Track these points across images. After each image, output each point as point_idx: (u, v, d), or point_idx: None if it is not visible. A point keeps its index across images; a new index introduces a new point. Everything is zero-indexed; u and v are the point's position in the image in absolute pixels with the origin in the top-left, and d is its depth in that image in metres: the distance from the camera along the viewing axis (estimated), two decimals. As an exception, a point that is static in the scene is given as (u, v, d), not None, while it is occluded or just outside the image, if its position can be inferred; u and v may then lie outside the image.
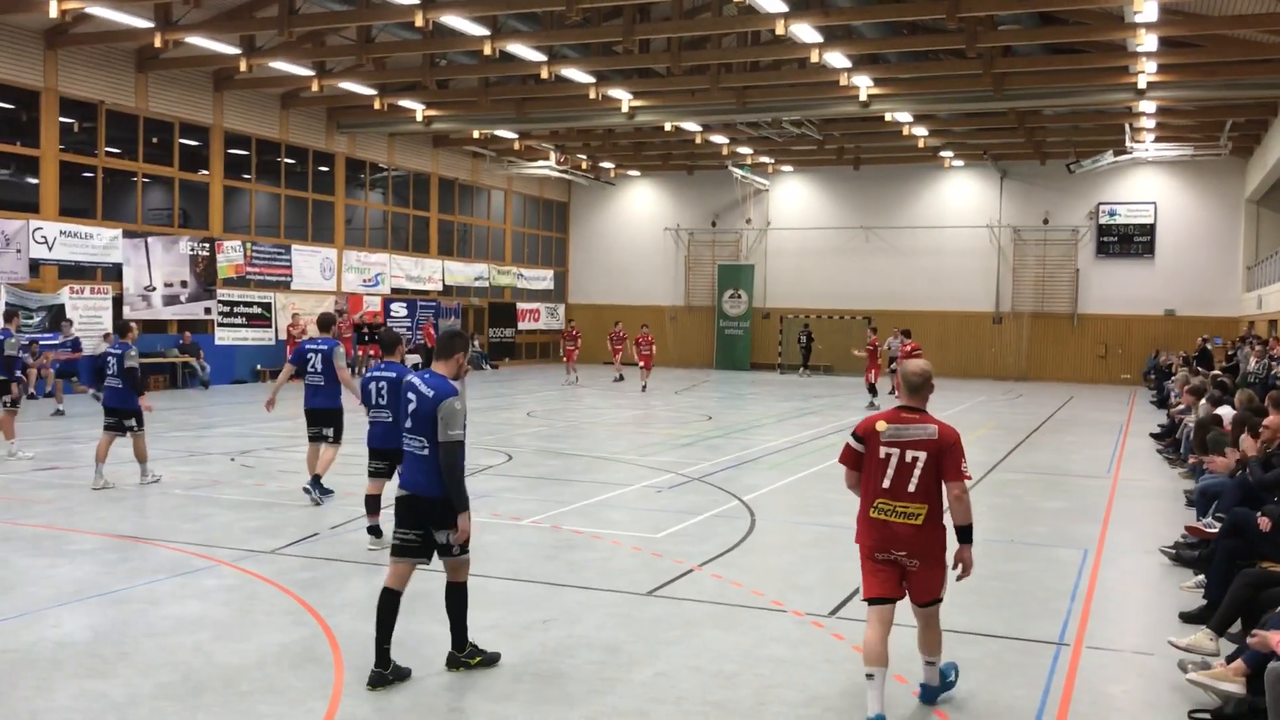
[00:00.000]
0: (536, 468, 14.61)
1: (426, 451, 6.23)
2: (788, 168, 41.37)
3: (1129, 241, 37.95)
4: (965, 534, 5.77)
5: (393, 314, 35.28)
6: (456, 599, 6.43)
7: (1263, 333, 28.32)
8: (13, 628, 6.99)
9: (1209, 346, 29.13)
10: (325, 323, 12.45)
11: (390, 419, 9.34)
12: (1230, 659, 6.02)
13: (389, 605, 6.21)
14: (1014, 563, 9.58)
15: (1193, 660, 6.43)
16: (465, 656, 6.43)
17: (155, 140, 27.47)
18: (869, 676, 5.57)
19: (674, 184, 43.74)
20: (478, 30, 22.27)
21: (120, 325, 13.26)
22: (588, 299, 45.12)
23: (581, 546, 9.79)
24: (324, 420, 11.62)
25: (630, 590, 8.23)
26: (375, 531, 9.57)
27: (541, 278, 43.93)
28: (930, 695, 6.08)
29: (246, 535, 9.91)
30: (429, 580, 7.35)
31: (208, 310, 28.19)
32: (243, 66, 24.91)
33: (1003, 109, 28.85)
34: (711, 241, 43.27)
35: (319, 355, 11.58)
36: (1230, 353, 26.96)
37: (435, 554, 6.37)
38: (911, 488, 5.72)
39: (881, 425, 5.87)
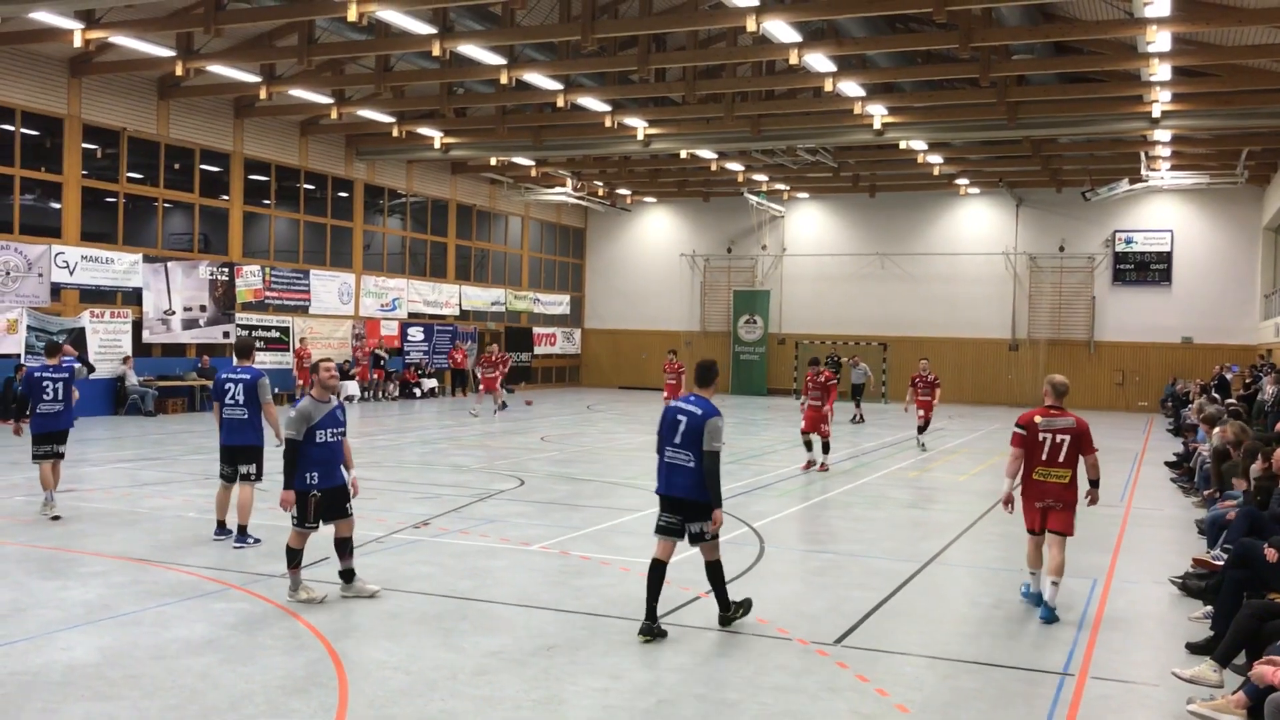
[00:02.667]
0: (548, 493, 14.66)
1: (692, 464, 7.73)
2: (803, 194, 41.50)
3: (1145, 269, 37.86)
4: (1095, 484, 8.82)
5: (410, 338, 35.48)
6: (715, 573, 8.04)
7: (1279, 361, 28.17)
8: (23, 650, 7.07)
9: (1227, 375, 28.98)
10: (244, 349, 11.35)
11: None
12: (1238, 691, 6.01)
13: (657, 572, 7.83)
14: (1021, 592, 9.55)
15: (1201, 695, 6.42)
16: (730, 615, 8.07)
17: (176, 166, 27.81)
18: (1032, 573, 8.90)
19: (690, 210, 43.91)
20: (495, 59, 22.50)
21: (50, 346, 12.63)
22: (603, 324, 45.25)
23: (589, 572, 9.82)
24: (245, 457, 10.79)
25: (636, 617, 8.23)
26: (347, 576, 8.80)
27: (558, 302, 44.10)
28: (1049, 612, 8.45)
29: (257, 559, 9.99)
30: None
31: (226, 334, 28.41)
32: (263, 94, 25.22)
33: (1017, 137, 28.89)
34: (727, 267, 43.37)
35: (239, 385, 10.73)
36: (1248, 380, 26.81)
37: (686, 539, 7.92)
38: (1061, 458, 8.61)
39: (1039, 419, 8.73)
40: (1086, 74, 24.77)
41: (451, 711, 6.18)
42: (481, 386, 27.90)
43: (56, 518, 11.69)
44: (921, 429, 21.68)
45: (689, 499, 7.78)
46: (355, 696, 6.34)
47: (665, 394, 27.77)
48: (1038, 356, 38.80)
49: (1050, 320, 38.91)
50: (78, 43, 20.80)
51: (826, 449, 18.09)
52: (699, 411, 7.78)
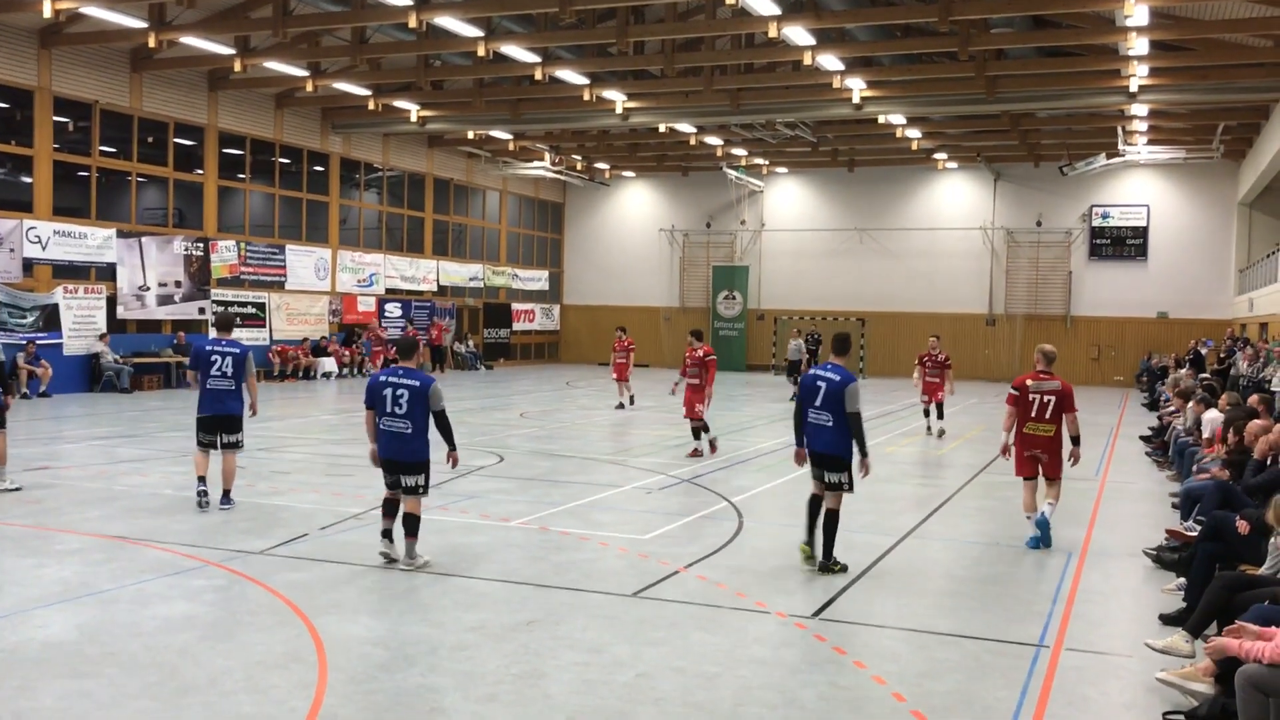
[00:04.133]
0: (527, 469, 14.65)
1: (831, 424, 8.99)
2: (782, 169, 41.47)
3: (1122, 244, 38.08)
4: (1076, 440, 10.33)
5: (387, 314, 35.33)
6: (831, 521, 9.05)
7: (1254, 336, 28.43)
8: (-1, 628, 7.04)
9: (1202, 350, 29.22)
10: (226, 323, 11.61)
11: (409, 429, 8.83)
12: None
13: (815, 504, 9.21)
14: (997, 565, 9.65)
15: (1174, 665, 6.49)
16: (828, 564, 9.05)
17: (150, 140, 27.51)
18: (1028, 517, 10.35)
19: (669, 185, 43.82)
20: (472, 31, 22.33)
21: None
22: (582, 300, 45.18)
23: (569, 548, 9.84)
24: (230, 427, 11.14)
25: (616, 591, 8.28)
26: (386, 536, 9.02)
27: (536, 278, 43.98)
28: (1044, 523, 10.17)
29: (236, 536, 9.95)
30: (418, 579, 7.37)
31: (202, 310, 28.20)
32: (237, 66, 24.96)
33: (996, 112, 28.95)
34: (706, 243, 43.34)
35: (227, 358, 10.95)
36: (1223, 355, 27.05)
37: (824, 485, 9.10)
38: (1048, 415, 10.19)
39: (1030, 381, 10.31)
40: (1065, 48, 24.81)
41: (431, 686, 6.19)
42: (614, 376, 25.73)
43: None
44: (930, 413, 19.50)
45: (828, 453, 9.08)
46: (334, 672, 6.34)
47: (614, 374, 25.28)
48: (1015, 331, 39.01)
49: (1027, 295, 39.11)
50: (47, 13, 20.49)
51: (704, 431, 16.24)
52: (837, 378, 9.02)
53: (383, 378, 8.99)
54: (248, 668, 6.37)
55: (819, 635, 7.29)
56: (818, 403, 9.09)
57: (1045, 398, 10.18)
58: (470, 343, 39.36)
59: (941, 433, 19.45)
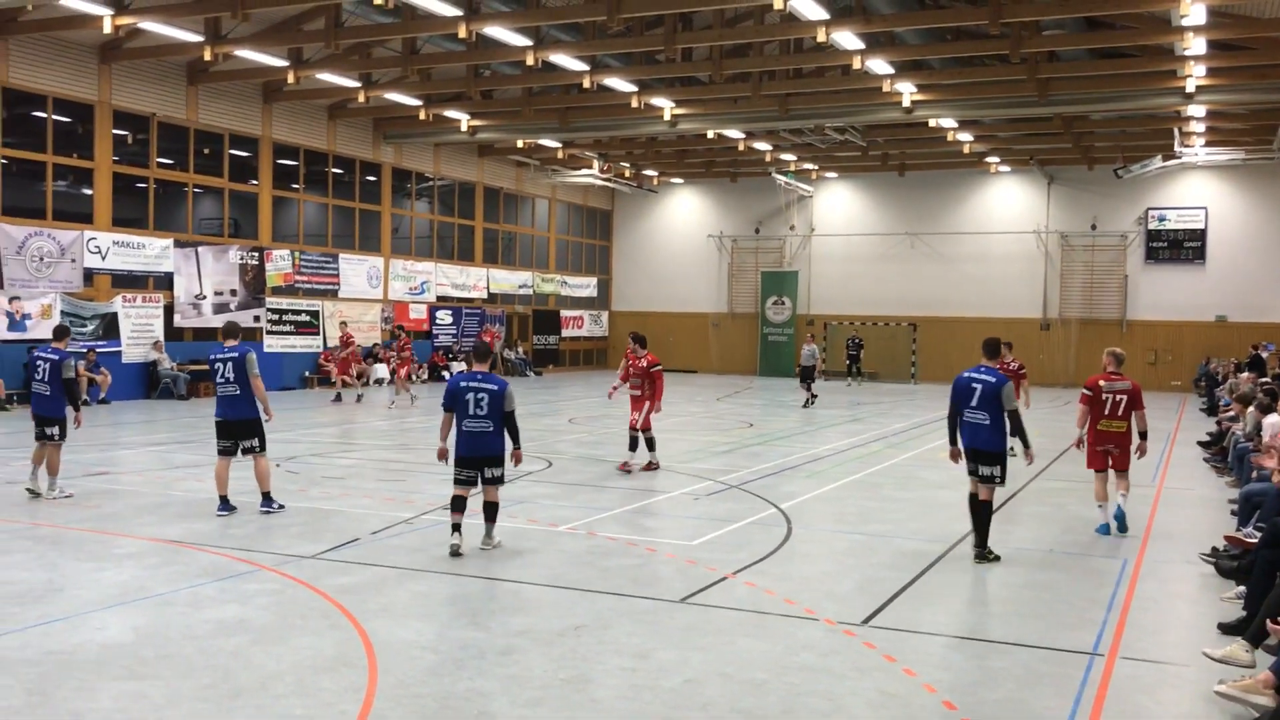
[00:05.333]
0: (576, 474, 14.69)
1: (989, 422, 9.69)
2: (832, 174, 41.27)
3: (1179, 247, 37.42)
4: (1144, 435, 11.10)
5: (438, 321, 35.63)
6: (987, 511, 9.78)
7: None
8: (59, 630, 7.17)
9: (1262, 354, 28.63)
10: (232, 331, 11.72)
11: (491, 428, 9.60)
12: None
13: (976, 504, 9.82)
14: (1051, 572, 9.52)
15: (1232, 675, 6.37)
16: (983, 553, 9.70)
17: (206, 151, 27.97)
18: (1100, 506, 11.21)
19: (717, 191, 43.77)
20: (520, 41, 22.47)
21: (57, 330, 12.66)
22: (631, 306, 45.24)
23: (616, 553, 9.85)
24: (243, 432, 11.20)
25: (663, 597, 8.28)
26: (456, 530, 9.61)
27: (585, 285, 44.11)
28: (1120, 514, 11.09)
29: (288, 540, 10.07)
30: (440, 584, 7.40)
31: (257, 318, 28.61)
32: (291, 78, 25.32)
33: (1048, 114, 28.59)
34: (755, 248, 43.23)
35: (228, 364, 11.08)
36: (1284, 359, 26.47)
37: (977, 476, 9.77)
38: (1120, 413, 11.03)
39: (1103, 382, 11.10)
40: (1119, 49, 24.46)
41: (479, 690, 6.22)
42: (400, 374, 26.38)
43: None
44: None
45: (985, 450, 9.73)
46: (384, 675, 6.39)
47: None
48: (1069, 336, 38.49)
49: (1082, 299, 38.57)
50: (107, 29, 20.94)
51: (651, 445, 15.19)
52: (993, 379, 9.73)
53: (463, 382, 9.72)
54: (298, 671, 6.45)
55: (868, 642, 7.24)
56: (974, 403, 9.77)
57: (1117, 397, 11.00)
58: (520, 349, 39.56)
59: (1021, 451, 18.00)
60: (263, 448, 11.37)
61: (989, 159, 37.12)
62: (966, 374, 9.98)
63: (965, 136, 32.69)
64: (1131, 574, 9.45)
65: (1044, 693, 6.38)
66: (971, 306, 39.31)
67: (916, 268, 40.55)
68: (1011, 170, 38.80)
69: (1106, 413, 11.05)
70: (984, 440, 9.78)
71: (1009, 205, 39.56)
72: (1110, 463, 11.13)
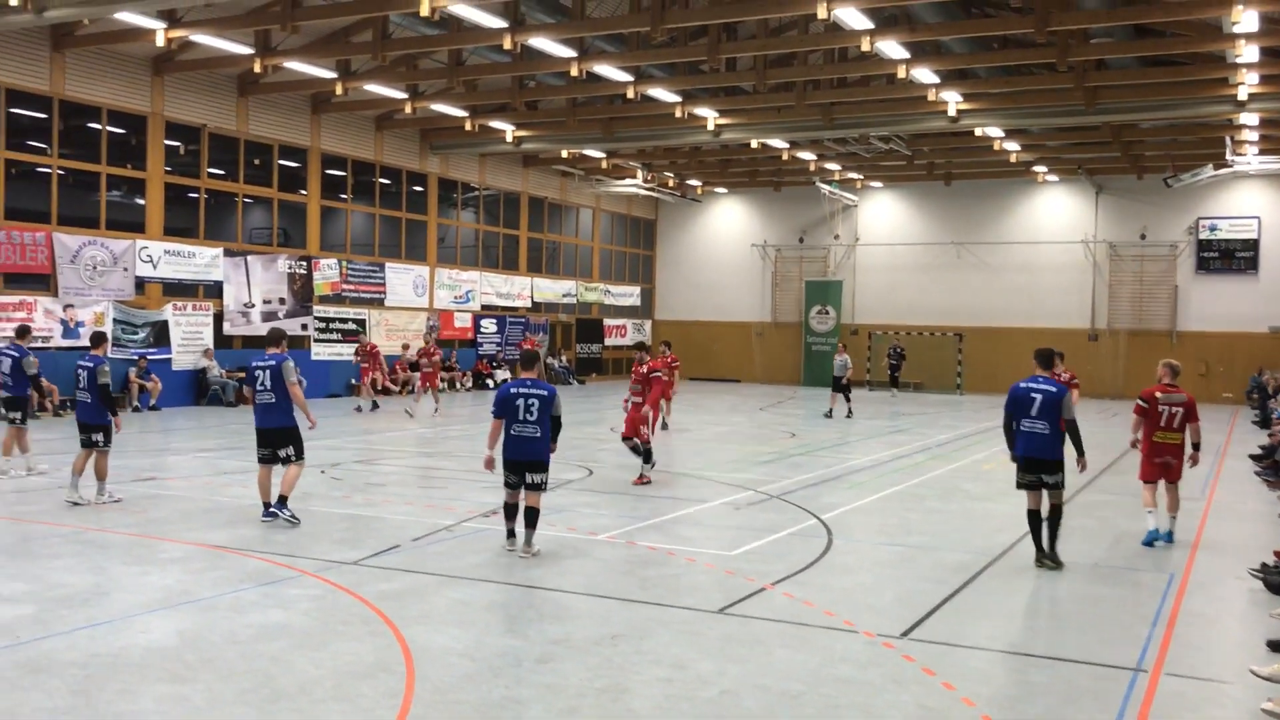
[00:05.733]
0: (616, 483, 14.70)
1: (1048, 431, 9.84)
2: (877, 183, 41.07)
3: (1231, 257, 36.82)
4: (1197, 447, 11.17)
5: (483, 330, 35.85)
6: (1056, 516, 9.95)
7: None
8: (104, 632, 7.29)
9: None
10: (273, 338, 11.63)
11: (538, 434, 9.86)
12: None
13: (1034, 519, 9.98)
14: (1096, 585, 9.39)
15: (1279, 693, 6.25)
16: (1049, 559, 9.89)
17: (256, 162, 28.36)
18: (1149, 512, 11.13)
19: (761, 200, 43.69)
20: (565, 52, 22.59)
21: (94, 336, 12.86)
22: (674, 315, 45.25)
23: (655, 562, 9.85)
24: (280, 440, 11.15)
25: (701, 607, 8.27)
26: (511, 535, 10.02)
27: (629, 294, 44.19)
28: (1169, 538, 11.07)
29: (331, 546, 10.17)
30: (471, 591, 7.42)
31: (304, 326, 28.94)
32: (339, 90, 25.62)
33: (1096, 123, 28.26)
34: (799, 257, 43.09)
35: (267, 372, 11.08)
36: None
37: (1043, 487, 9.90)
38: (1175, 425, 11.09)
39: (1159, 394, 11.11)
40: (1168, 57, 24.14)
41: (515, 698, 6.24)
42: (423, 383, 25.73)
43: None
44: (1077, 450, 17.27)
45: (1045, 459, 9.87)
46: (421, 682, 6.43)
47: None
48: (1118, 346, 37.99)
49: (1131, 310, 38.06)
50: (160, 42, 21.31)
51: (648, 456, 14.71)
52: (1053, 389, 9.93)
53: (513, 389, 9.97)
54: (338, 676, 6.51)
55: (907, 655, 7.18)
56: (1033, 412, 9.92)
57: (1173, 409, 11.09)
58: (563, 358, 39.69)
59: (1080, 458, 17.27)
60: (299, 456, 11.26)
61: (1036, 168, 36.76)
62: (1024, 384, 10.10)
63: (1012, 146, 32.40)
64: (1178, 588, 9.31)
65: (1085, 708, 6.30)
66: (1018, 317, 38.91)
67: (963, 277, 40.22)
68: (1059, 179, 38.41)
69: (1162, 424, 11.12)
70: (1044, 449, 9.89)
71: (1056, 215, 39.15)
72: (1164, 475, 11.18)
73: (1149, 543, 10.98)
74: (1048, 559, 9.91)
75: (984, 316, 39.43)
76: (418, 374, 26.77)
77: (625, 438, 14.95)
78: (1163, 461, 11.17)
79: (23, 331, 15.05)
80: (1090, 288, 38.56)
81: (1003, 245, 39.65)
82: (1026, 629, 8.25)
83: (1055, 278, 38.93)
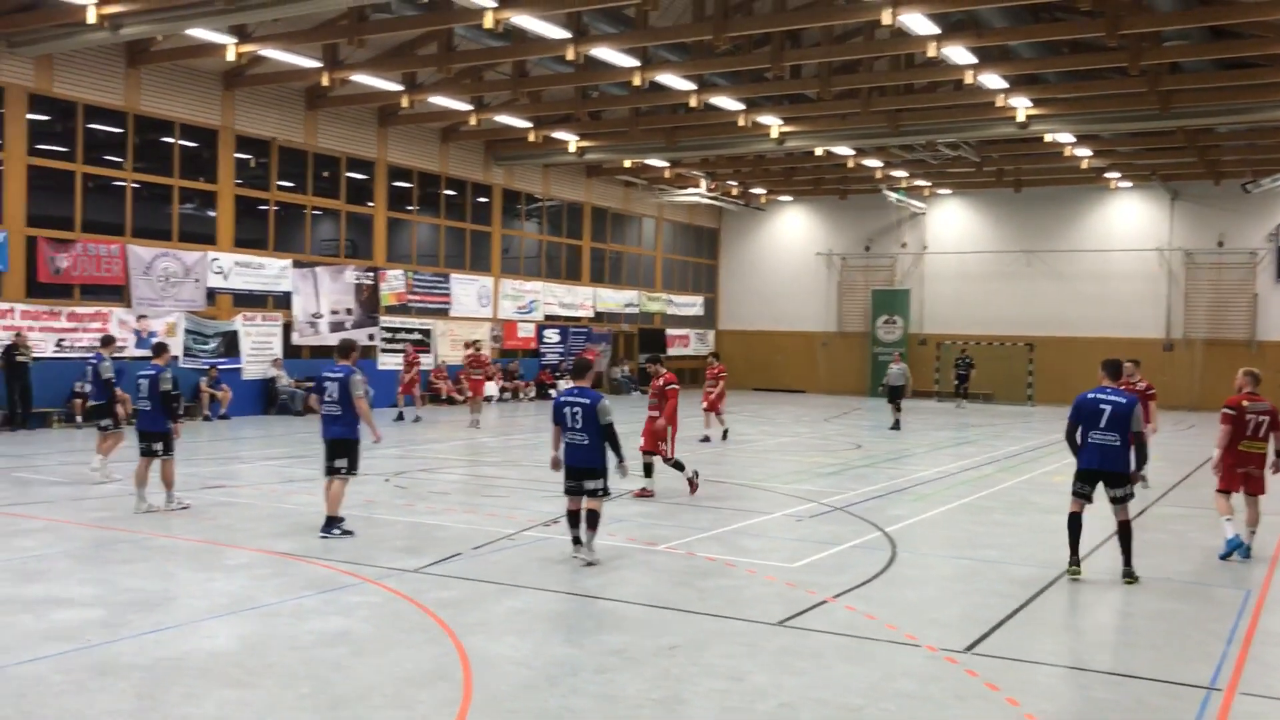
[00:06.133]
0: (676, 493, 14.64)
1: (1118, 443, 9.65)
2: (945, 190, 40.58)
3: (1313, 264, 35.80)
4: None
5: (546, 340, 36.02)
6: (1125, 533, 9.78)
7: None
8: (170, 637, 7.40)
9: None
10: (345, 349, 11.62)
11: (587, 441, 10.05)
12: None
13: (1076, 523, 9.90)
14: (1168, 601, 9.14)
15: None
16: (1130, 572, 9.68)
17: (324, 174, 28.81)
18: (1226, 520, 10.87)
19: (826, 208, 43.39)
20: (628, 62, 22.64)
21: (155, 346, 13.06)
22: (737, 325, 45.10)
23: (715, 574, 9.77)
24: (337, 451, 11.11)
25: (760, 620, 8.18)
26: (577, 542, 10.10)
27: (692, 304, 44.11)
28: (1245, 550, 10.80)
29: (392, 554, 10.24)
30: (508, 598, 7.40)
31: (371, 336, 29.29)
32: (405, 103, 25.94)
33: (1170, 128, 27.67)
34: (865, 266, 42.71)
35: (335, 383, 11.08)
36: None
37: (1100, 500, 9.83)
38: (1261, 434, 10.89)
39: (1245, 403, 10.89)
40: (1245, 59, 23.53)
41: (572, 708, 6.21)
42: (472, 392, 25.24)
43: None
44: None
45: (1116, 471, 9.70)
46: (478, 690, 6.44)
47: (703, 403, 22.53)
48: (1194, 356, 37.09)
49: (1208, 319, 37.15)
50: (231, 57, 21.76)
51: (649, 470, 14.30)
52: (1123, 400, 9.74)
53: (563, 399, 10.24)
54: (396, 683, 6.53)
55: (970, 670, 7.03)
56: (1103, 424, 9.71)
57: (1260, 418, 10.90)
58: (625, 368, 39.72)
59: (1144, 480, 14.87)
60: (350, 470, 11.14)
61: (1108, 174, 36.06)
62: (1092, 394, 9.90)
63: (1083, 151, 31.82)
64: (1255, 605, 9.02)
65: (1156, 728, 6.12)
66: (1091, 326, 38.16)
67: (1033, 286, 39.57)
68: (1132, 186, 37.63)
69: (1249, 434, 10.90)
70: (1117, 462, 9.73)
71: (1130, 222, 38.37)
72: (1245, 486, 10.96)
73: (1228, 554, 10.70)
74: (1132, 579, 9.70)
75: (1055, 326, 38.73)
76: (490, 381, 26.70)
77: (644, 451, 14.53)
78: (1245, 471, 10.94)
79: (107, 341, 15.31)
80: (1165, 296, 37.72)
81: (1074, 253, 38.96)
82: (1095, 644, 8.05)
83: (1129, 286, 38.14)
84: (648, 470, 14.35)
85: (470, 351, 26.43)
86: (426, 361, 30.35)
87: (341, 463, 11.13)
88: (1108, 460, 9.74)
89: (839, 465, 18.61)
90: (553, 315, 36.62)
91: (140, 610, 8.08)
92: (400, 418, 25.34)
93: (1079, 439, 9.90)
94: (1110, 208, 38.65)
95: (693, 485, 14.47)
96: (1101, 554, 11.21)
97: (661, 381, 14.99)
